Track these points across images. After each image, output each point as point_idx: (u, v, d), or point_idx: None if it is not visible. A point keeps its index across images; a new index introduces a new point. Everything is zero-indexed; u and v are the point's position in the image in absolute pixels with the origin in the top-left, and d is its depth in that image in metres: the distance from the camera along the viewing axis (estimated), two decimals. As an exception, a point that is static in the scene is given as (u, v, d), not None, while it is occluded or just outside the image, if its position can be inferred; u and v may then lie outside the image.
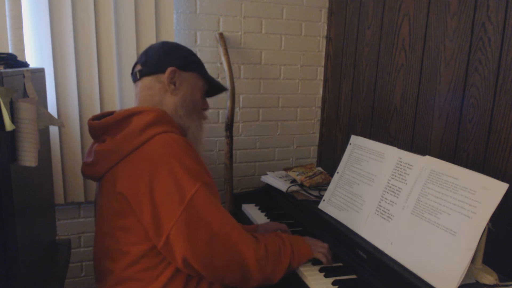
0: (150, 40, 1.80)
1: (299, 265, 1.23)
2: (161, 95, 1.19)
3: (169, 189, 1.01)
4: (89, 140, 1.63)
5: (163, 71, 1.18)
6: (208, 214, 1.03)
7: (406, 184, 1.24)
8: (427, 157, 1.22)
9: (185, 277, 1.09)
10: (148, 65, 1.20)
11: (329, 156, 2.22)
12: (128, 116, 1.11)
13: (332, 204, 1.49)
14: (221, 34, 1.95)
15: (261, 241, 1.15)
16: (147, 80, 1.20)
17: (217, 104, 2.05)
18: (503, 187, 0.99)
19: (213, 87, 1.32)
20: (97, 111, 1.76)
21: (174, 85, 1.19)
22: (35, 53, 1.65)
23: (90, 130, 1.18)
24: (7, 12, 1.54)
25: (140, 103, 1.21)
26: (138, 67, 1.23)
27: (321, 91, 2.26)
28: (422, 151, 1.50)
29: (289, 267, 1.19)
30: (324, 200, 1.53)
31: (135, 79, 1.24)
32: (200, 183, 1.03)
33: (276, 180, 1.83)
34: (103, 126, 1.13)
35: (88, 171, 1.16)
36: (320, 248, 1.28)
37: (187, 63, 1.22)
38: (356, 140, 1.53)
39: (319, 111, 2.28)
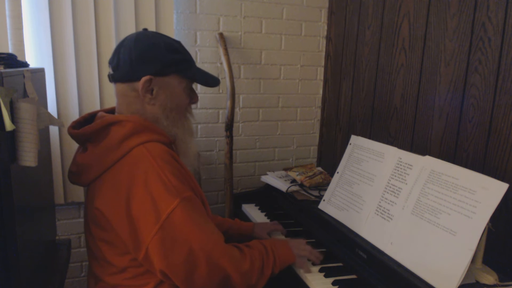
0: (150, 40, 1.79)
1: (281, 270, 1.21)
2: (139, 104, 1.09)
3: (145, 206, 0.97)
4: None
5: (137, 79, 1.06)
6: (187, 232, 0.99)
7: (406, 184, 1.24)
8: (427, 157, 1.22)
9: (173, 284, 1.07)
10: (120, 71, 1.08)
11: (329, 156, 2.22)
12: (106, 126, 1.06)
13: (332, 204, 1.49)
14: (221, 34, 1.95)
15: (246, 254, 1.12)
16: (121, 86, 1.10)
17: (217, 104, 2.05)
18: (503, 187, 0.99)
19: (201, 80, 1.17)
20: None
21: (152, 93, 1.08)
22: (35, 53, 1.65)
23: (72, 137, 1.12)
24: (7, 12, 1.54)
25: (118, 108, 1.13)
26: (110, 70, 1.12)
27: (321, 91, 2.26)
28: (422, 151, 1.50)
29: (272, 275, 1.17)
30: (324, 200, 1.53)
31: (110, 81, 1.13)
32: (180, 199, 0.98)
33: (276, 180, 1.83)
34: (83, 135, 1.08)
35: (73, 179, 1.13)
36: (302, 252, 1.26)
37: (164, 66, 1.07)
38: (356, 140, 1.53)
39: (319, 111, 2.28)
